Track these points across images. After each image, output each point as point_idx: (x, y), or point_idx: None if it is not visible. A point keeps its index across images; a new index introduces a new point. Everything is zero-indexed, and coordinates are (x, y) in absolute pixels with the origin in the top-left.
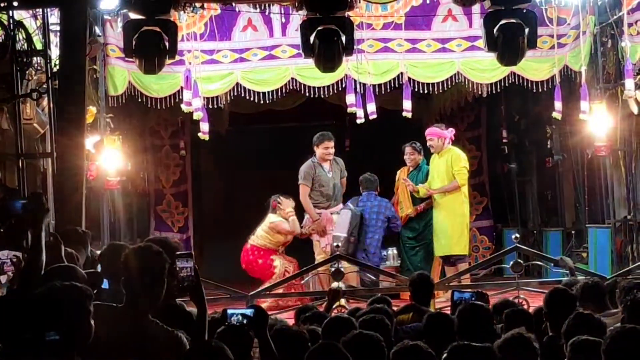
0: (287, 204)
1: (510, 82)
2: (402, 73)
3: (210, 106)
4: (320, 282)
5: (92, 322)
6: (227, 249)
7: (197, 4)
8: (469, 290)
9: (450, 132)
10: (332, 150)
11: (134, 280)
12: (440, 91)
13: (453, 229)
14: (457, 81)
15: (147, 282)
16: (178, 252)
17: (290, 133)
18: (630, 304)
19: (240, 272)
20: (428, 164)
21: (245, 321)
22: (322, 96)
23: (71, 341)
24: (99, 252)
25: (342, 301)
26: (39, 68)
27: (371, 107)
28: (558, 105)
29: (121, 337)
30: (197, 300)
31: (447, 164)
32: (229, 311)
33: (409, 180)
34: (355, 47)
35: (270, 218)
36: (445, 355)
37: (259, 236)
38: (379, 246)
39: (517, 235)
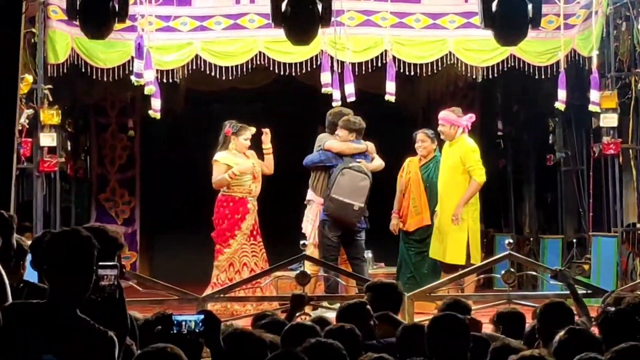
0: (242, 144)
1: (509, 66)
2: (386, 51)
3: (165, 80)
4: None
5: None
6: (179, 246)
7: None
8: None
9: (467, 120)
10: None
11: (58, 269)
12: (429, 73)
13: (453, 233)
14: (448, 62)
15: (73, 272)
16: (101, 263)
17: (256, 115)
18: (602, 321)
19: (194, 272)
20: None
21: (195, 329)
22: (294, 74)
23: None
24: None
25: (307, 309)
26: None
27: (349, 88)
28: (562, 94)
29: (44, 338)
30: (117, 319)
31: (457, 158)
32: (177, 317)
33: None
34: (333, 18)
35: (215, 156)
36: None
37: None
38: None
39: (511, 241)
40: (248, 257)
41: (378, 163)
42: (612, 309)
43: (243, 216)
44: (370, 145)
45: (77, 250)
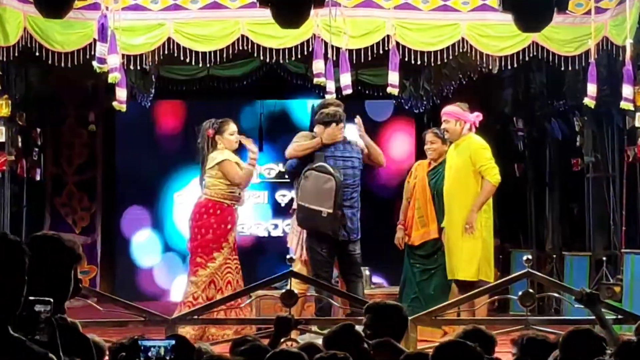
0: (230, 140)
1: (531, 55)
2: (388, 36)
3: (132, 67)
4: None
5: None
6: (147, 259)
7: None
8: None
9: (475, 117)
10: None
11: None
12: (438, 63)
13: (463, 244)
14: (460, 50)
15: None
16: (32, 298)
17: (237, 109)
18: (621, 352)
19: (162, 291)
20: None
21: (165, 356)
22: (282, 62)
23: None
24: None
25: (294, 334)
26: None
27: (346, 78)
28: (592, 89)
29: None
30: None
31: (465, 158)
32: (143, 342)
33: None
34: None
35: (217, 156)
36: None
37: (211, 185)
38: (359, 209)
39: (529, 257)
40: (232, 274)
41: (374, 152)
42: (634, 338)
43: (232, 226)
44: (327, 133)
45: (3, 258)
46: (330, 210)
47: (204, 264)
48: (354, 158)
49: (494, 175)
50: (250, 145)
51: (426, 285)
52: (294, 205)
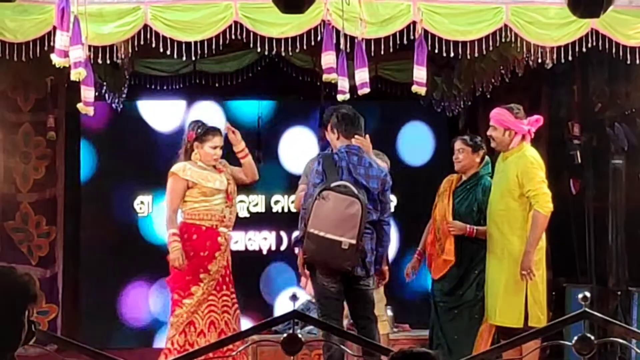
0: (207, 154)
1: (589, 46)
2: (414, 23)
3: (101, 61)
4: None
5: None
6: (119, 297)
7: None
8: None
9: (532, 123)
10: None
11: None
12: (476, 56)
13: (505, 281)
14: (503, 41)
15: None
16: None
17: (230, 112)
18: None
19: (140, 334)
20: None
21: None
22: (284, 54)
23: None
24: None
25: None
26: None
27: (362, 74)
28: None
29: None
30: None
31: (511, 175)
32: None
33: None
34: None
35: (174, 167)
36: None
37: (183, 204)
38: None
39: (587, 295)
40: (217, 313)
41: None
42: None
43: (212, 254)
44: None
45: None
46: (353, 241)
47: (180, 302)
48: (372, 177)
49: (545, 204)
50: (231, 136)
51: (450, 328)
52: (297, 234)
